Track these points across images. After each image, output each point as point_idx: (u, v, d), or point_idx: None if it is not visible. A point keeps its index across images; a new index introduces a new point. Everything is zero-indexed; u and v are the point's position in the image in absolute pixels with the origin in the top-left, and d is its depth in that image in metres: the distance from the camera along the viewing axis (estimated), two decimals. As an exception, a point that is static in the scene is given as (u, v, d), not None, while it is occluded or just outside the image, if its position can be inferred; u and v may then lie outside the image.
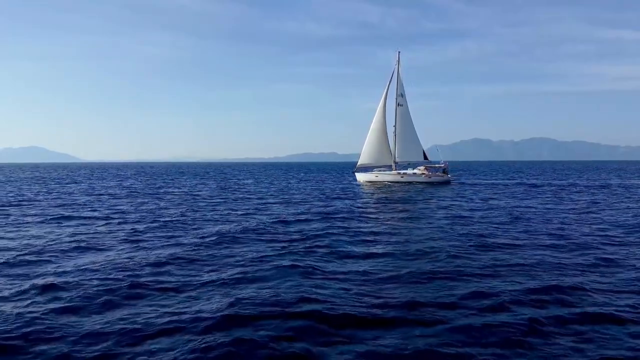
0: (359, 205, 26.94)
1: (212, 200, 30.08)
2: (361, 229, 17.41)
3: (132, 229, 17.61)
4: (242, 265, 11.35)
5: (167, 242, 14.75)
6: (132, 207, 25.61)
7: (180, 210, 24.15)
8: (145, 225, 18.38)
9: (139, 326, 7.38)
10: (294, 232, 16.68)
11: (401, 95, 48.97)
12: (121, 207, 25.62)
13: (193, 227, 18.06)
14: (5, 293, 9.40)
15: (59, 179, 67.66)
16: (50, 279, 10.14)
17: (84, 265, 11.57)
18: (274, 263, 11.51)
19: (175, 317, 7.74)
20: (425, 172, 47.35)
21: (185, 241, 14.79)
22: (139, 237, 15.63)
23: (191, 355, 6.32)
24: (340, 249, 13.43)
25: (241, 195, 34.32)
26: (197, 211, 23.65)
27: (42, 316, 7.92)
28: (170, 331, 7.18)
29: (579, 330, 7.27)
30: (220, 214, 22.23)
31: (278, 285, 9.51)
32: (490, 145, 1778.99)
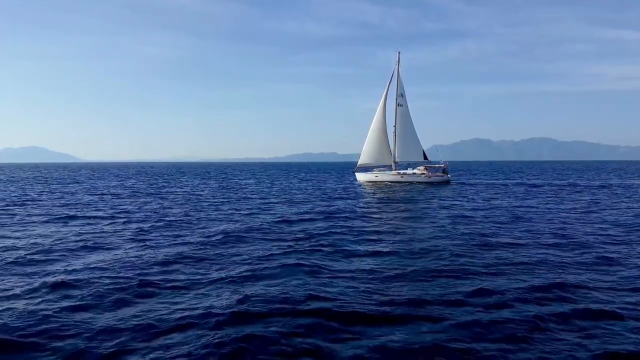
0: (361, 205, 27.11)
1: (215, 200, 30.26)
2: (365, 228, 17.58)
3: (137, 228, 17.79)
4: (249, 264, 11.52)
5: (174, 241, 14.92)
6: (136, 207, 25.78)
7: (184, 209, 24.32)
8: (150, 225, 18.55)
9: (152, 322, 7.55)
10: (298, 231, 16.85)
11: (401, 95, 49.15)
12: (125, 207, 25.79)
13: (198, 226, 18.23)
14: (17, 291, 9.55)
15: (60, 179, 67.82)
16: (61, 277, 10.29)
17: (93, 263, 11.74)
18: (281, 261, 11.68)
19: (186, 314, 7.91)
20: (425, 172, 47.52)
21: (192, 240, 14.96)
22: (145, 236, 15.80)
23: (204, 350, 6.49)
24: (345, 248, 13.61)
25: (243, 195, 34.49)
26: (201, 211, 23.82)
27: (56, 314, 8.07)
28: (182, 327, 7.35)
29: (582, 326, 7.44)
30: (224, 214, 22.41)
31: (286, 283, 9.68)
32: (490, 145, 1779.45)
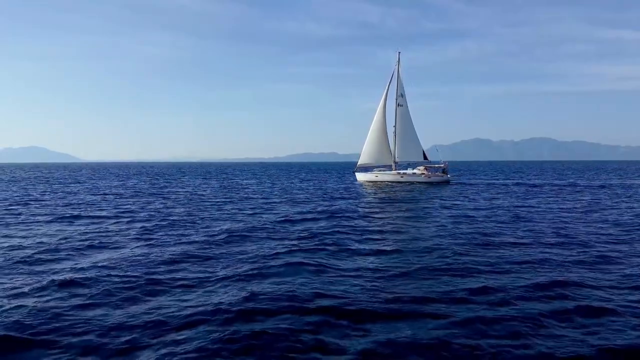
0: (363, 204, 27.27)
1: (217, 200, 30.42)
2: (368, 228, 17.75)
3: (142, 227, 17.95)
4: (255, 262, 11.67)
5: (179, 240, 15.08)
6: (139, 207, 25.93)
7: (187, 209, 24.47)
8: (154, 224, 18.71)
9: (163, 319, 7.70)
10: (302, 230, 17.00)
11: (401, 95, 49.33)
12: (128, 207, 25.94)
13: (202, 225, 18.39)
14: (26, 289, 9.67)
15: (61, 179, 67.98)
16: (69, 275, 10.43)
17: (100, 262, 11.88)
18: (286, 260, 11.83)
19: (195, 310, 8.07)
20: (425, 172, 47.70)
21: (197, 239, 15.13)
22: (151, 236, 15.96)
23: (215, 346, 6.64)
24: (349, 247, 13.77)
25: (245, 195, 34.65)
26: (204, 210, 23.98)
27: (66, 311, 8.21)
28: (192, 324, 7.50)
29: (583, 323, 7.59)
30: (228, 213, 22.56)
31: (292, 282, 9.84)
32: (490, 145, 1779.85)
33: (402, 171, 48.17)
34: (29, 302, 8.79)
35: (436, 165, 49.30)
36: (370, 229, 17.57)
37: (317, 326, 7.31)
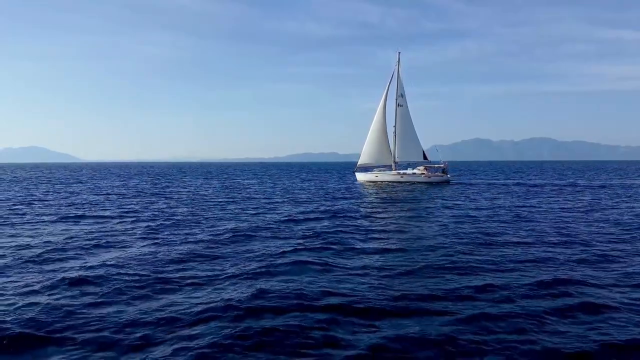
0: (365, 204, 27.46)
1: (220, 200, 30.59)
2: (371, 227, 17.93)
3: (147, 226, 18.12)
4: (262, 261, 11.85)
5: (185, 239, 15.27)
6: (142, 207, 26.10)
7: (191, 209, 24.64)
8: (159, 224, 18.88)
9: (175, 316, 7.88)
10: (306, 229, 17.18)
11: (401, 95, 49.51)
12: (132, 207, 26.11)
13: (207, 225, 18.56)
14: (37, 287, 9.83)
15: (63, 179, 68.13)
16: (79, 274, 10.60)
17: (108, 261, 12.05)
18: (292, 258, 12.01)
19: (206, 307, 8.24)
20: (425, 172, 47.88)
21: (203, 238, 15.31)
22: (156, 235, 16.13)
23: (227, 341, 6.81)
24: (354, 246, 13.96)
25: (248, 195, 34.82)
26: (207, 210, 24.16)
27: (79, 309, 8.37)
28: (204, 320, 7.68)
29: (586, 320, 7.78)
30: (231, 213, 22.74)
31: (299, 280, 10.02)
32: (490, 145, 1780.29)
33: (402, 171, 48.36)
34: (42, 300, 8.95)
35: (436, 165, 49.49)
36: (373, 228, 17.76)
37: (326, 323, 7.48)
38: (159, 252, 13.16)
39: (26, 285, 9.89)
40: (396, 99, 49.39)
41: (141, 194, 36.53)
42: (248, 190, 41.35)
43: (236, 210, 23.89)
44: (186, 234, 16.39)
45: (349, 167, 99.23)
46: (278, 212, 23.21)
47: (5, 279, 10.40)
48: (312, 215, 21.43)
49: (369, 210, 24.23)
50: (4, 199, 31.80)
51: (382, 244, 14.45)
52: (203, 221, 19.72)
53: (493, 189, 40.01)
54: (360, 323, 7.52)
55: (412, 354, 6.42)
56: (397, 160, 49.14)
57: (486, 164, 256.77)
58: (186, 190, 41.21)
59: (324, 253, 12.82)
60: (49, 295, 9.31)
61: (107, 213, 22.87)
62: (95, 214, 22.58)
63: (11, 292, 9.43)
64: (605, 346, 6.69)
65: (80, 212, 23.00)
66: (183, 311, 8.11)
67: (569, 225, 18.34)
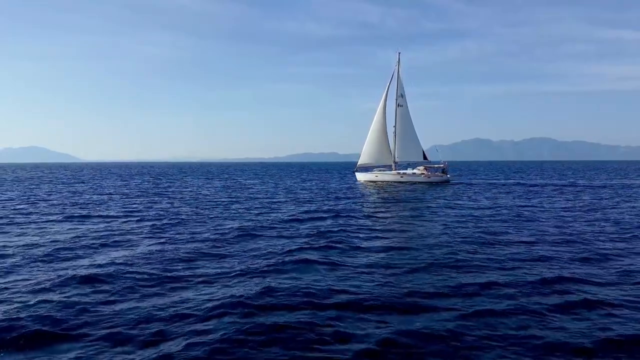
0: (368, 204, 27.66)
1: (223, 200, 30.79)
2: (375, 227, 18.14)
3: (152, 225, 18.33)
4: (269, 259, 12.05)
5: (192, 238, 15.47)
6: (146, 206, 26.29)
7: (195, 209, 24.84)
8: (164, 223, 19.08)
9: (186, 312, 8.08)
10: (310, 229, 17.38)
11: (401, 95, 49.71)
12: (136, 206, 26.30)
13: (212, 224, 18.75)
14: (48, 285, 9.99)
15: (65, 179, 68.33)
16: (89, 272, 10.78)
17: (117, 259, 12.24)
18: (298, 257, 12.21)
19: (217, 304, 8.43)
20: (425, 172, 48.09)
21: (209, 237, 15.53)
22: (162, 234, 16.32)
23: (240, 337, 7.00)
24: (359, 245, 14.16)
25: (250, 195, 35.01)
26: (211, 209, 24.35)
27: (92, 306, 8.53)
28: (215, 316, 7.86)
29: (588, 316, 7.98)
30: (235, 213, 22.94)
31: (307, 278, 10.22)
32: (490, 145, 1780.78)
33: (402, 171, 48.59)
34: (55, 297, 9.10)
35: (436, 166, 49.70)
36: (377, 227, 17.97)
37: (336, 319, 7.67)
38: (167, 250, 13.36)
39: (38, 283, 10.05)
40: (396, 99, 49.59)
41: (144, 193, 36.73)
42: (250, 190, 41.55)
43: (240, 210, 24.09)
44: (192, 232, 16.59)
45: (349, 167, 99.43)
46: (282, 211, 23.41)
47: (17, 277, 10.57)
48: (315, 215, 21.63)
49: (371, 210, 24.43)
50: (7, 199, 31.98)
51: (386, 242, 14.64)
52: (208, 220, 19.91)
53: (494, 189, 40.22)
54: (369, 319, 7.72)
55: (420, 349, 6.61)
56: (397, 160, 49.35)
57: (486, 164, 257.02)
58: (188, 190, 41.41)
59: (329, 252, 13.03)
60: (60, 293, 9.46)
61: (112, 213, 23.06)
62: (100, 213, 22.77)
63: (23, 289, 9.58)
64: (606, 342, 6.88)
65: (85, 212, 23.20)
66: (194, 307, 8.30)
67: (570, 224, 18.54)
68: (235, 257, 12.38)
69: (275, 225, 18.19)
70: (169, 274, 10.58)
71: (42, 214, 22.49)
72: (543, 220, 19.81)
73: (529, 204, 26.64)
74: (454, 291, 9.20)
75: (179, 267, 11.29)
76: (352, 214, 22.01)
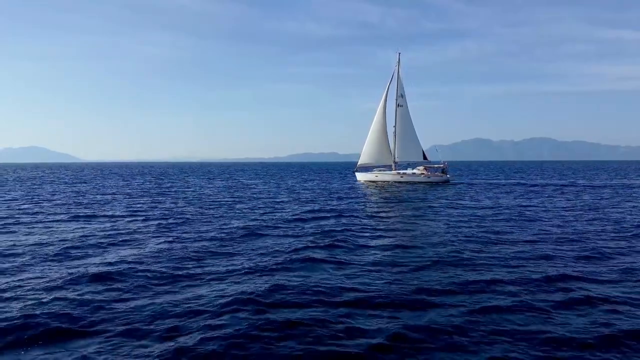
0: (371, 204, 27.85)
1: (227, 199, 30.97)
2: (379, 226, 18.33)
3: (158, 225, 18.52)
4: (277, 258, 12.25)
5: (199, 236, 15.66)
6: (150, 206, 26.47)
7: (199, 208, 25.02)
8: (170, 222, 19.27)
9: (199, 308, 8.28)
10: (315, 228, 17.58)
11: (401, 96, 49.89)
12: (140, 206, 26.48)
13: (218, 223, 18.93)
14: (60, 283, 10.17)
15: (66, 179, 68.52)
16: (101, 270, 10.98)
17: (127, 257, 12.42)
18: (305, 255, 12.40)
19: (228, 300, 8.63)
20: (425, 172, 48.29)
21: (216, 236, 15.72)
22: (169, 233, 16.51)
23: (253, 332, 7.19)
24: (364, 244, 14.36)
25: (253, 195, 35.19)
26: (215, 209, 24.54)
27: (107, 303, 8.71)
28: (228, 312, 8.05)
29: (591, 312, 8.20)
30: (240, 212, 23.12)
31: (315, 275, 10.42)
32: (490, 145, 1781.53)
33: (402, 171, 48.79)
34: (68, 295, 9.27)
35: (436, 166, 49.91)
36: (381, 227, 18.16)
37: (346, 316, 7.87)
38: (175, 249, 13.55)
39: (50, 281, 10.22)
40: (396, 99, 49.79)
41: (147, 193, 36.91)
42: (253, 190, 41.73)
43: (244, 210, 24.28)
44: (198, 231, 16.78)
45: (349, 167, 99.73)
46: (285, 211, 23.60)
47: (29, 275, 10.74)
48: (319, 215, 21.83)
49: (374, 209, 24.61)
50: (11, 198, 32.15)
51: (391, 241, 14.84)
52: (213, 220, 20.10)
53: (495, 189, 40.41)
54: (379, 315, 7.92)
55: (430, 344, 6.80)
56: (397, 160, 49.56)
57: (486, 164, 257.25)
58: (191, 190, 41.59)
59: (335, 250, 13.22)
60: (74, 290, 9.63)
61: (118, 212, 23.24)
62: (105, 213, 22.94)
63: (37, 287, 9.75)
64: (609, 337, 7.07)
65: (90, 212, 23.38)
66: (207, 304, 8.49)
67: (572, 223, 18.74)
68: (243, 256, 12.58)
69: (280, 225, 18.39)
70: (179, 272, 10.76)
71: (48, 214, 22.65)
72: (545, 219, 20.00)
73: (531, 204, 26.83)
74: (461, 288, 9.41)
75: (189, 265, 11.48)
76: (355, 214, 22.20)
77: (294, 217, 20.89)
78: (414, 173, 48.25)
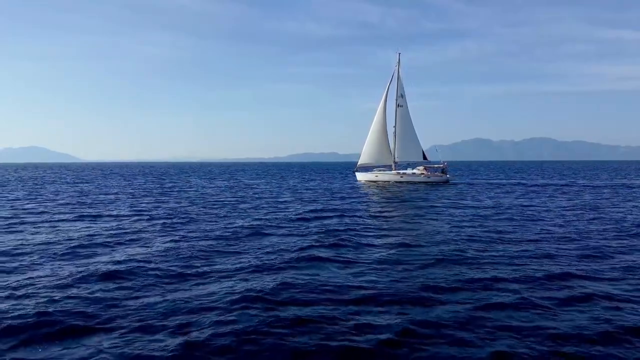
0: (373, 204, 28.04)
1: (230, 199, 31.15)
2: (383, 226, 18.52)
3: (163, 224, 18.72)
4: (282, 256, 12.42)
5: (205, 235, 15.85)
6: (154, 206, 26.65)
7: (203, 208, 25.20)
8: (175, 222, 19.45)
9: (210, 304, 8.46)
10: (319, 227, 17.75)
11: (401, 96, 50.06)
12: (144, 206, 26.66)
13: (223, 223, 19.11)
14: (70, 281, 10.32)
15: (68, 179, 68.66)
16: (111, 268, 11.13)
17: (135, 256, 12.59)
18: (310, 254, 12.58)
19: (238, 297, 8.79)
20: (425, 172, 48.48)
21: (221, 235, 15.91)
22: (175, 232, 16.69)
23: (264, 328, 7.36)
24: (369, 242, 14.55)
25: (256, 195, 35.36)
26: (219, 209, 24.71)
27: (119, 301, 8.86)
28: (238, 309, 8.21)
29: (592, 309, 8.37)
30: (244, 212, 23.30)
31: (322, 274, 10.60)
32: (490, 145, 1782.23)
33: (401, 171, 48.99)
34: (80, 293, 9.41)
35: (435, 166, 50.11)
36: (385, 226, 18.35)
37: (355, 313, 8.04)
38: (182, 247, 13.73)
39: (61, 279, 10.37)
40: (396, 100, 49.96)
41: (149, 193, 37.08)
42: (255, 190, 41.91)
43: (248, 209, 24.46)
44: (204, 230, 16.97)
45: (349, 167, 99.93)
46: (289, 210, 23.78)
47: (39, 273, 10.89)
48: (322, 214, 22.02)
49: (377, 209, 24.79)
50: (14, 198, 32.32)
51: (395, 240, 15.02)
52: (218, 219, 20.28)
53: (496, 189, 40.60)
54: (387, 312, 8.10)
55: (438, 339, 6.98)
56: (397, 160, 49.74)
57: (486, 164, 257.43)
58: (193, 190, 41.76)
59: (340, 249, 13.39)
60: (85, 288, 9.76)
61: (122, 212, 23.41)
62: (110, 213, 23.11)
63: (48, 285, 9.88)
64: (612, 333, 7.24)
65: (95, 211, 23.55)
66: (216, 300, 8.67)
67: (573, 223, 18.92)
68: (249, 254, 12.76)
69: (284, 224, 18.56)
70: (187, 270, 10.94)
71: (53, 214, 22.82)
72: (547, 219, 20.18)
73: (532, 204, 27.01)
74: (466, 286, 9.60)
75: (197, 264, 11.65)
76: (358, 214, 22.39)
77: (297, 216, 21.06)
78: (413, 173, 48.45)
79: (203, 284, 9.92)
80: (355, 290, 9.30)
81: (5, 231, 17.26)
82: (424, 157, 50.23)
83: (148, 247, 14.01)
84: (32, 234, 16.81)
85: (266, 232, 16.58)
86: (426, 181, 47.60)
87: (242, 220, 19.76)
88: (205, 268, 11.19)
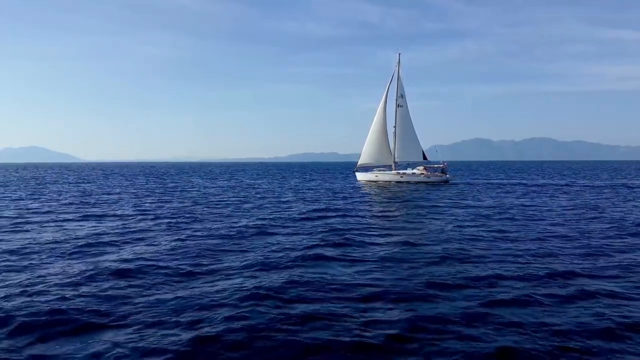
0: (376, 203, 28.22)
1: (233, 199, 31.32)
2: (386, 225, 18.69)
3: (169, 223, 18.89)
4: (289, 254, 12.60)
5: (210, 234, 16.02)
6: (158, 205, 26.81)
7: (207, 208, 25.37)
8: (180, 221, 19.62)
9: (218, 301, 8.62)
10: (323, 226, 17.94)
11: (401, 96, 50.21)
12: (147, 205, 26.82)
13: (227, 222, 19.28)
14: (80, 279, 10.47)
15: (70, 178, 68.81)
16: (119, 266, 11.29)
17: (143, 254, 12.75)
18: (317, 252, 12.76)
19: (247, 294, 8.95)
20: (425, 172, 48.65)
21: (227, 234, 16.09)
22: (181, 231, 16.86)
23: (276, 325, 7.52)
24: (373, 241, 14.73)
25: (259, 195, 35.53)
26: (223, 208, 24.89)
27: (128, 298, 9.01)
28: (248, 306, 8.35)
29: (593, 306, 8.53)
30: (247, 211, 23.48)
31: (329, 272, 10.77)
32: (490, 145, 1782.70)
33: (401, 171, 49.15)
34: (90, 290, 9.55)
35: (435, 166, 50.27)
36: (388, 226, 18.53)
37: (362, 309, 8.21)
38: (189, 246, 13.90)
39: (71, 277, 10.52)
40: (396, 100, 50.12)
41: (152, 193, 37.25)
42: (257, 189, 42.09)
43: (252, 209, 24.63)
44: (210, 229, 17.14)
45: (349, 167, 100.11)
46: (292, 210, 23.95)
47: (49, 271, 11.04)
48: (326, 214, 22.20)
49: (379, 209, 24.97)
50: (17, 198, 32.49)
51: (399, 239, 15.19)
52: (222, 219, 20.45)
53: (497, 189, 40.76)
54: (395, 308, 8.26)
55: (446, 334, 7.15)
56: (397, 160, 49.90)
57: (486, 164, 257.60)
58: (196, 190, 41.94)
59: (345, 248, 13.57)
60: (96, 286, 9.87)
61: (127, 211, 23.57)
62: (115, 212, 23.28)
63: (59, 283, 10.01)
64: (614, 330, 7.40)
65: (99, 211, 23.72)
66: (226, 297, 8.82)
67: (575, 222, 19.10)
68: (256, 253, 12.93)
69: (288, 224, 18.74)
70: (196, 268, 11.11)
71: (58, 213, 22.97)
72: (549, 218, 20.35)
73: (534, 204, 27.17)
74: (470, 283, 9.77)
75: (204, 262, 11.83)
76: (362, 213, 22.56)
77: (300, 216, 21.24)
78: (413, 173, 48.61)
79: (212, 281, 10.09)
80: (362, 287, 9.48)
81: (12, 230, 17.43)
82: (424, 157, 50.40)
83: (155, 245, 14.17)
84: (39, 233, 16.98)
85: (271, 231, 16.76)
86: (426, 181, 47.77)
87: (246, 220, 19.92)
88: (213, 266, 11.37)
